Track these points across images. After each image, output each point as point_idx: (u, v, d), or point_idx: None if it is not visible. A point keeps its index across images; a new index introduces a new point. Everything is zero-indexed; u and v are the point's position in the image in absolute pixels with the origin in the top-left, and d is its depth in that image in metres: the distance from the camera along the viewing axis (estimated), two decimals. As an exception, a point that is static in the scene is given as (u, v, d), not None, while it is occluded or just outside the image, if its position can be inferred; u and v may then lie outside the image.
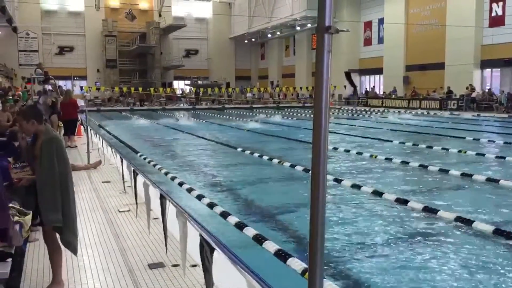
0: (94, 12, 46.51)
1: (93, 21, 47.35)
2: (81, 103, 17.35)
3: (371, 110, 33.23)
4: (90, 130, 13.71)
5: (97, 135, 14.20)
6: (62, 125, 15.19)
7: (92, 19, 47.30)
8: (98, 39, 48.07)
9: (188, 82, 48.27)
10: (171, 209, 4.64)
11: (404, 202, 7.27)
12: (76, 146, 14.39)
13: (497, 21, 28.42)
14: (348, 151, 12.91)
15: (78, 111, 15.48)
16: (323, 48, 1.65)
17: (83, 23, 48.21)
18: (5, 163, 4.68)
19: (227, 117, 28.85)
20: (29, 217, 4.16)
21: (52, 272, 4.18)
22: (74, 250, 4.17)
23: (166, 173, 9.70)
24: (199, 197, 7.51)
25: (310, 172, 6.75)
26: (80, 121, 16.88)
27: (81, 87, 39.59)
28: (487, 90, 29.14)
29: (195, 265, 4.49)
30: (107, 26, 47.55)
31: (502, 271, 4.89)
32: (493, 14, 28.68)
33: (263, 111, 34.95)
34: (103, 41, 47.65)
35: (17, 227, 3.92)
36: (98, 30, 47.78)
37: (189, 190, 8.05)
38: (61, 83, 31.27)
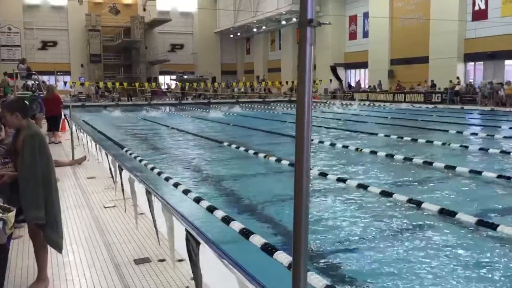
0: (77, 6, 45.87)
1: (76, 16, 46.74)
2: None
3: (357, 103, 33.44)
4: (75, 125, 13.58)
5: (82, 130, 14.07)
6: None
7: (75, 13, 46.68)
8: (82, 34, 47.49)
9: (173, 76, 48.02)
10: (156, 204, 4.63)
11: (389, 194, 7.34)
12: (60, 142, 14.24)
13: (480, 15, 28.71)
14: (333, 144, 12.98)
15: (61, 106, 15.31)
16: (306, 41, 1.66)
17: (66, 17, 47.56)
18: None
19: (213, 111, 28.77)
20: (12, 214, 4.10)
21: (38, 269, 4.14)
22: (58, 248, 4.12)
23: (152, 168, 9.67)
24: (186, 192, 7.51)
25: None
26: (64, 117, 16.71)
27: (65, 83, 39.17)
28: (469, 83, 29.50)
29: (181, 260, 4.48)
30: (90, 20, 46.98)
31: (485, 261, 4.97)
32: (476, 8, 28.97)
33: (249, 105, 34.96)
34: (87, 35, 47.10)
35: (0, 224, 3.87)
36: (81, 25, 47.20)
37: (176, 185, 8.04)
38: (44, 78, 30.91)
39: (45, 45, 47.38)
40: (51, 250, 4.24)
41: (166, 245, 4.81)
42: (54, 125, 14.56)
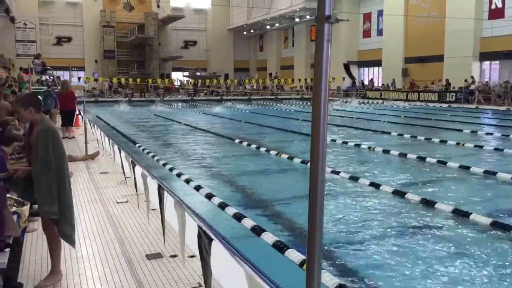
0: (92, 2, 46.25)
1: (91, 12, 47.06)
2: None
3: (370, 102, 33.27)
4: (88, 120, 13.67)
5: (95, 125, 14.17)
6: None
7: (90, 9, 47.02)
8: (96, 30, 47.78)
9: (186, 73, 48.09)
10: (169, 200, 4.64)
11: (402, 194, 7.28)
12: (74, 137, 14.35)
13: (496, 14, 28.34)
14: (346, 142, 12.91)
15: (76, 102, 15.43)
16: (323, 37, 1.64)
17: (81, 13, 47.90)
18: (1, 153, 4.64)
19: (225, 108, 28.83)
20: (26, 208, 4.15)
21: (51, 262, 4.18)
22: (71, 242, 4.16)
23: (164, 164, 9.70)
24: (197, 188, 7.52)
25: (307, 163, 6.76)
26: (78, 112, 16.84)
27: (79, 78, 39.45)
28: (484, 83, 29.13)
29: (192, 256, 4.49)
30: (105, 16, 47.24)
31: (499, 262, 4.91)
32: (493, 6, 28.59)
33: (261, 102, 34.94)
34: (101, 31, 47.36)
35: (14, 217, 3.91)
36: (96, 21, 47.48)
37: (188, 181, 8.06)
38: (59, 73, 31.17)
39: (59, 41, 47.75)
40: (64, 244, 4.27)
41: (174, 242, 4.82)
42: (68, 120, 14.69)
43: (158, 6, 47.23)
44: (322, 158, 1.70)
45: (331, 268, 4.71)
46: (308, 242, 1.74)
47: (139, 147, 12.45)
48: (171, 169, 9.19)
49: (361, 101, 34.14)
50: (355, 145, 12.53)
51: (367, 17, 39.76)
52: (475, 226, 5.93)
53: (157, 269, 4.37)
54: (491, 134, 14.84)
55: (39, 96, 4.61)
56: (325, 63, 1.65)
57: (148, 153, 11.36)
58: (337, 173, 8.78)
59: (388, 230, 5.92)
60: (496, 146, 12.16)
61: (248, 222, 5.60)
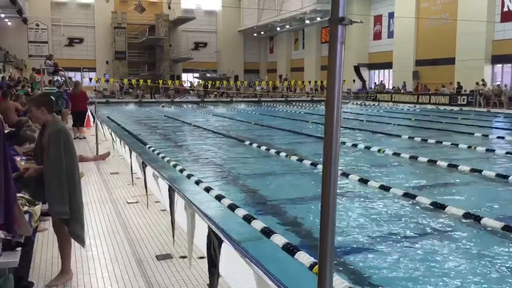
0: (103, 4, 46.51)
1: (102, 13, 47.37)
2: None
3: (380, 104, 33.13)
4: (99, 121, 13.76)
5: (106, 126, 14.25)
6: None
7: (101, 11, 47.32)
8: (108, 31, 48.11)
9: (196, 74, 48.23)
10: (179, 201, 4.65)
11: (412, 197, 7.23)
12: (85, 138, 14.45)
13: (509, 16, 28.07)
14: (355, 145, 12.86)
15: (88, 102, 15.54)
16: (336, 39, 1.63)
17: (92, 14, 48.24)
18: (12, 152, 4.68)
19: (235, 110, 28.85)
20: (38, 207, 4.17)
21: (61, 262, 4.21)
22: (81, 242, 4.19)
23: (174, 165, 9.73)
24: (207, 189, 7.53)
25: (317, 165, 6.75)
26: (89, 113, 16.95)
27: (90, 79, 39.71)
28: (496, 86, 28.87)
29: (202, 257, 4.49)
30: (116, 18, 47.55)
31: (510, 267, 4.86)
32: (505, 9, 28.33)
33: (271, 104, 34.94)
34: (113, 33, 47.67)
35: (26, 216, 3.93)
36: (107, 22, 47.80)
37: (197, 182, 8.08)
38: (70, 74, 31.43)
39: (71, 42, 48.14)
40: (74, 244, 4.30)
41: (183, 243, 4.82)
42: (79, 121, 14.80)
43: (169, 8, 47.42)
44: (335, 160, 1.69)
45: (341, 271, 4.68)
46: (320, 245, 1.73)
47: (149, 147, 12.50)
48: (181, 170, 9.21)
49: (372, 103, 34.02)
50: (365, 147, 12.47)
51: (378, 19, 39.59)
52: (486, 230, 5.88)
53: (167, 269, 4.38)
54: (503, 138, 14.70)
55: (52, 97, 4.64)
56: (339, 65, 1.64)
57: (158, 154, 11.41)
58: (347, 175, 8.75)
59: (399, 233, 5.88)
60: (508, 150, 12.04)
61: (258, 224, 5.60)
